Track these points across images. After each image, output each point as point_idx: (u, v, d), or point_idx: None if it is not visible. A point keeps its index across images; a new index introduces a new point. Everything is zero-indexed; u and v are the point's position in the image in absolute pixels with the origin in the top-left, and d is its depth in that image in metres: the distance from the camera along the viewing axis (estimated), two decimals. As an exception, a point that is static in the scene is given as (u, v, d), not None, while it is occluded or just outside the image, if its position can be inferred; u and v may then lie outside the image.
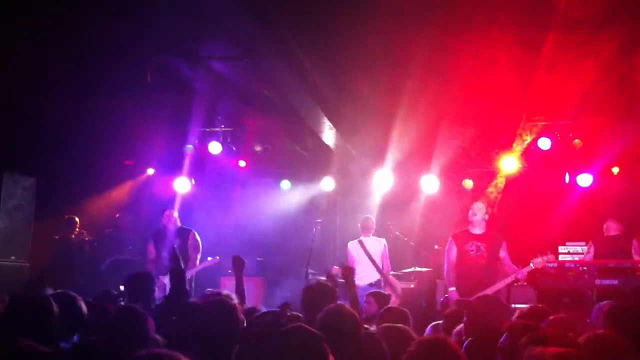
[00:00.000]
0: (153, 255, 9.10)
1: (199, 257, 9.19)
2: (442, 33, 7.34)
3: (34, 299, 3.94)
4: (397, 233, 10.99)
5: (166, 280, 8.76)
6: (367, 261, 9.31)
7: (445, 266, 8.03)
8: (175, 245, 8.87)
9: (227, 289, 10.53)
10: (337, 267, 9.74)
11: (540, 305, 5.30)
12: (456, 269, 7.86)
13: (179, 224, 9.30)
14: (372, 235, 9.61)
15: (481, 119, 10.02)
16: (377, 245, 9.47)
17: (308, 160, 11.82)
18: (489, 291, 7.38)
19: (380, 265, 9.32)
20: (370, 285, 8.99)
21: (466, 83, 8.68)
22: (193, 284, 9.09)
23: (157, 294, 8.79)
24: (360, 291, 8.87)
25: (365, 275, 9.18)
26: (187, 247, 9.10)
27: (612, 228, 8.52)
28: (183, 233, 9.18)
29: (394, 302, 8.91)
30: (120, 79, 8.08)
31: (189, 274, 8.79)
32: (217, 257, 9.40)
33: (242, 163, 11.49)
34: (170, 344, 3.71)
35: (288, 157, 11.78)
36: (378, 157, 11.37)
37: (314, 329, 3.13)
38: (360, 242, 9.52)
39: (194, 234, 9.24)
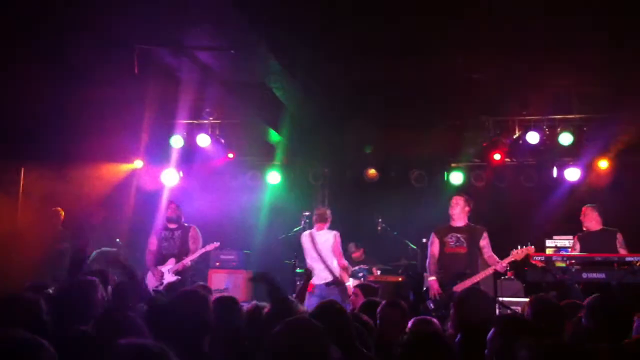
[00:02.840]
0: (154, 247, 9.19)
1: (199, 249, 9.19)
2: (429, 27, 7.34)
3: (23, 301, 3.89)
4: (385, 226, 10.98)
5: (164, 269, 9.02)
6: (317, 258, 8.66)
7: (428, 259, 8.17)
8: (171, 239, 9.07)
9: (216, 282, 10.67)
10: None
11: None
12: (438, 261, 7.98)
13: (182, 218, 9.36)
14: (327, 228, 8.84)
15: (468, 112, 10.03)
16: (327, 239, 8.69)
17: (297, 152, 11.78)
18: (468, 282, 7.48)
19: (330, 262, 8.61)
20: (327, 285, 8.47)
21: (453, 76, 8.69)
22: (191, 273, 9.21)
23: (155, 282, 8.93)
24: (317, 290, 8.37)
25: (316, 274, 8.46)
26: (188, 238, 9.19)
27: (594, 222, 8.52)
28: (185, 227, 9.30)
29: (343, 301, 8.33)
30: (105, 68, 8.02)
31: (188, 261, 9.01)
32: (217, 243, 9.38)
33: (230, 155, 11.47)
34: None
35: (276, 149, 11.74)
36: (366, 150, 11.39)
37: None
38: (311, 236, 8.84)
39: (195, 228, 9.34)
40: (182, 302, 3.81)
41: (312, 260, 8.73)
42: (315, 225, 8.93)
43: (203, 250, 9.23)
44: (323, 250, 8.66)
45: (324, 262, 8.62)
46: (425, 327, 4.63)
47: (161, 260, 9.07)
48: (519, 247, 7.74)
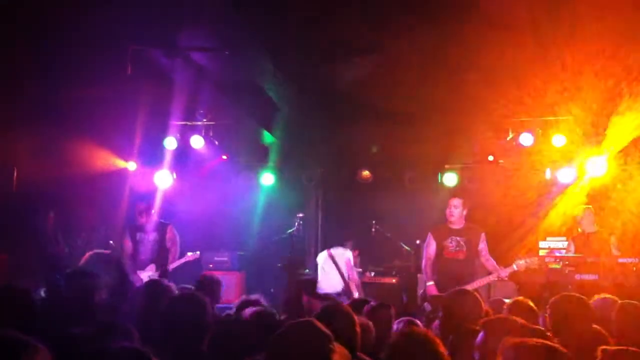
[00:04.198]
0: (130, 250, 8.79)
1: (178, 250, 8.96)
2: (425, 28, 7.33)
3: (15, 291, 3.88)
4: (379, 227, 10.99)
5: (143, 275, 8.70)
6: (331, 265, 9.74)
7: (423, 260, 8.04)
8: (153, 239, 8.94)
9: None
10: None
11: None
12: (435, 264, 7.87)
13: (155, 217, 8.99)
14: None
15: (463, 114, 10.03)
16: (344, 253, 9.90)
17: (291, 154, 11.78)
18: (468, 287, 7.43)
19: (344, 271, 9.69)
20: (338, 295, 9.05)
21: (448, 77, 8.69)
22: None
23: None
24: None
25: (327, 282, 9.58)
26: (165, 240, 8.85)
27: (589, 224, 8.56)
28: (160, 227, 8.91)
29: None
30: (98, 69, 7.99)
31: (169, 268, 8.68)
32: (197, 252, 9.28)
33: (224, 157, 11.47)
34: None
35: (270, 150, 11.73)
36: (359, 152, 11.39)
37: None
38: (329, 253, 9.91)
39: (172, 228, 8.97)
40: (180, 304, 3.80)
41: (325, 269, 9.75)
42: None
43: (183, 260, 8.92)
44: (338, 261, 9.69)
45: (338, 269, 9.58)
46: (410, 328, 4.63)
47: (139, 265, 8.72)
48: (522, 260, 7.64)
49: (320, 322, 3.42)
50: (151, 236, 8.82)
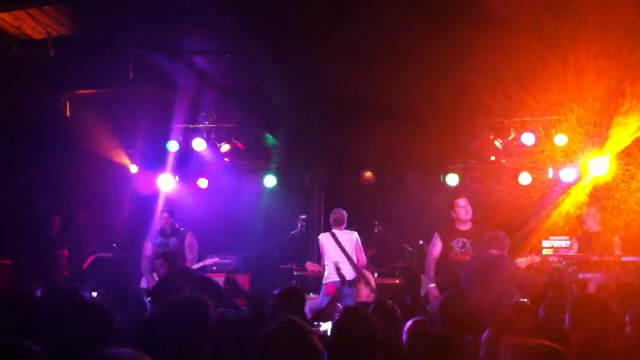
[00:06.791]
0: (149, 252, 9.13)
1: (195, 257, 9.26)
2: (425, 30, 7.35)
3: (18, 296, 3.90)
4: (382, 228, 10.99)
5: (159, 277, 8.84)
6: (341, 254, 8.87)
7: (427, 261, 8.06)
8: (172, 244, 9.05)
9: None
10: (310, 263, 9.78)
11: None
12: (440, 265, 7.88)
13: (176, 225, 9.36)
14: (344, 228, 9.18)
15: (465, 114, 10.04)
16: (350, 238, 9.04)
17: (293, 156, 11.79)
18: None
19: (354, 259, 8.91)
20: (350, 286, 8.28)
21: (449, 78, 8.70)
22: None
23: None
24: (325, 288, 8.70)
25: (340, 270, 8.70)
26: (184, 247, 9.17)
27: (592, 223, 8.57)
28: (179, 233, 9.26)
29: (368, 296, 8.52)
30: (101, 73, 8.02)
31: None
32: (216, 257, 9.51)
33: (226, 159, 11.48)
34: (141, 342, 3.69)
35: (272, 152, 11.75)
36: (363, 154, 11.38)
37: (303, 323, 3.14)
38: (332, 235, 9.07)
39: (191, 235, 9.30)
40: (182, 308, 3.81)
41: (335, 257, 8.83)
42: (334, 227, 9.15)
43: (202, 263, 9.23)
44: (347, 248, 8.90)
45: (348, 258, 8.83)
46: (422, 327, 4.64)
47: (153, 267, 8.83)
48: (523, 259, 7.65)
49: (340, 327, 3.46)
50: (170, 241, 9.15)
